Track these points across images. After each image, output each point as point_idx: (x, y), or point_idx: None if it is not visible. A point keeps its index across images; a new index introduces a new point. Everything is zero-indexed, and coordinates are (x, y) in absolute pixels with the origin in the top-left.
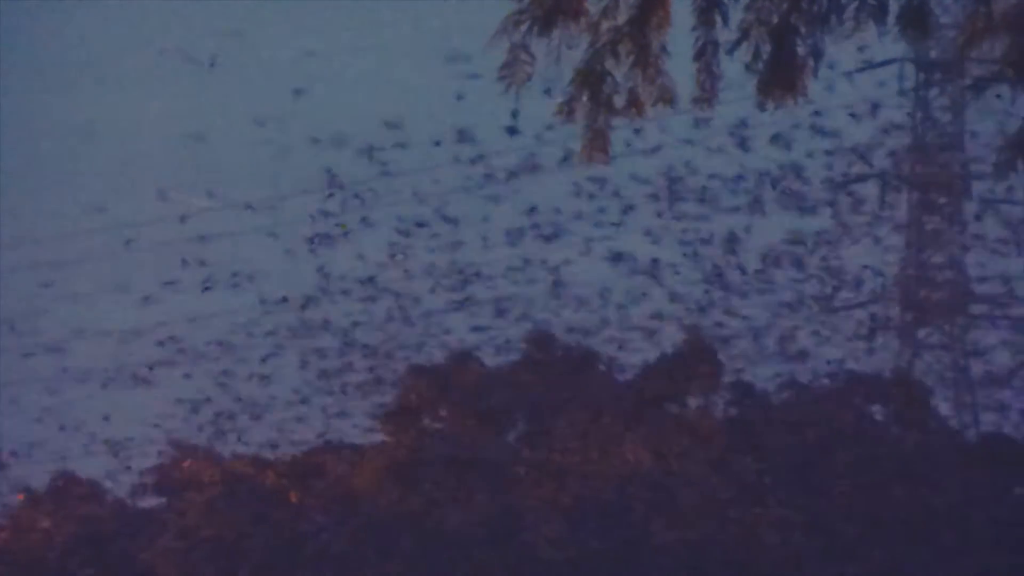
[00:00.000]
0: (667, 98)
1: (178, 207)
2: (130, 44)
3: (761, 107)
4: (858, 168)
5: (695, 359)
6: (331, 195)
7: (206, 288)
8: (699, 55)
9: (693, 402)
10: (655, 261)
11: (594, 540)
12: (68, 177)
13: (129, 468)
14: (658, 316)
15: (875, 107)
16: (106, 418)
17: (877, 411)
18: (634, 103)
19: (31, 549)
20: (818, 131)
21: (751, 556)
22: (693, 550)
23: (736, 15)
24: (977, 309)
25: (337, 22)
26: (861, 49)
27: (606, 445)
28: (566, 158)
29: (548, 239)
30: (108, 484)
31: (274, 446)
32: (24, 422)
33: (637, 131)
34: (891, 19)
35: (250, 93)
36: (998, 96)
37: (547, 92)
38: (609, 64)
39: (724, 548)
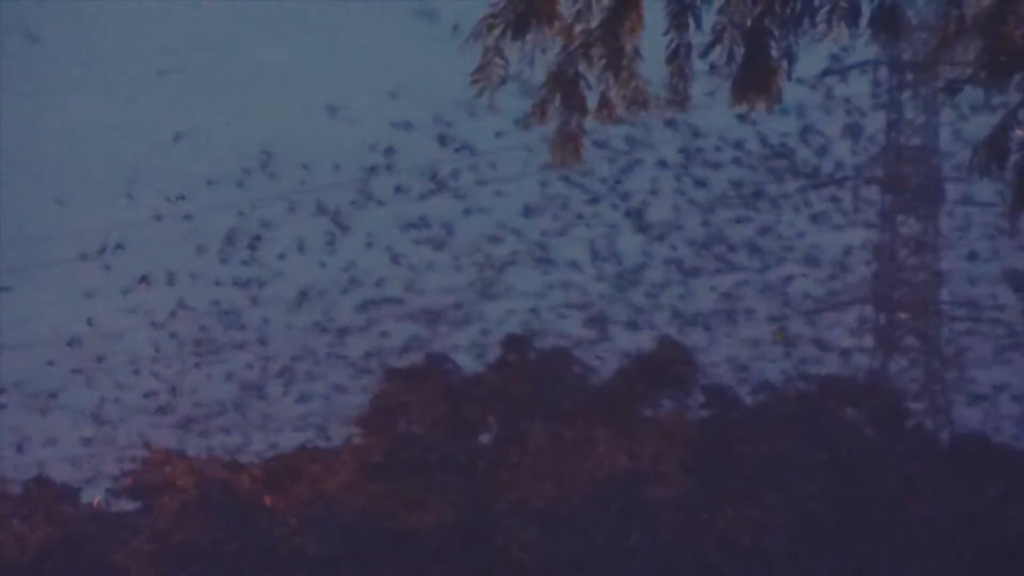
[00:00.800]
0: (640, 101)
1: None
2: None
3: (735, 109)
4: (832, 170)
5: (669, 361)
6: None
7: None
8: (672, 58)
9: (667, 404)
10: (624, 262)
11: (567, 543)
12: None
13: (101, 472)
14: (631, 317)
15: (848, 110)
16: (77, 421)
17: (851, 413)
18: (606, 106)
19: (4, 552)
20: (792, 134)
21: (724, 558)
22: (666, 552)
23: (709, 18)
24: (951, 310)
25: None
26: (834, 53)
27: (580, 447)
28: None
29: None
30: (81, 487)
31: (244, 450)
32: None
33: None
34: (864, 21)
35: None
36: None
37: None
38: (582, 67)
39: (697, 550)
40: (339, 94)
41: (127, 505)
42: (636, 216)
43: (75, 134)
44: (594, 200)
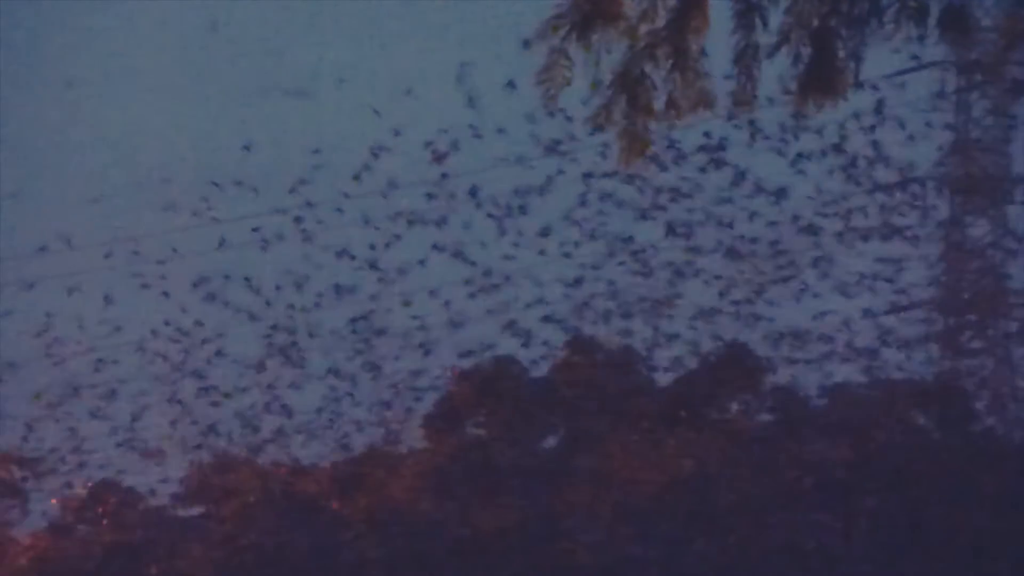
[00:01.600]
0: (706, 101)
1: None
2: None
3: (801, 111)
4: (900, 172)
5: (736, 363)
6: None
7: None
8: (738, 58)
9: (734, 407)
10: (691, 264)
11: (633, 546)
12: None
13: (168, 476)
14: (698, 320)
15: (916, 110)
16: (145, 425)
17: (919, 416)
18: (673, 107)
19: (68, 557)
20: (859, 134)
21: (790, 562)
22: (732, 557)
23: (776, 18)
24: (1020, 313)
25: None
26: (902, 52)
27: (646, 450)
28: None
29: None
30: (146, 492)
31: (314, 454)
32: (59, 429)
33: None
34: (932, 22)
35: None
36: None
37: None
38: (647, 67)
39: (763, 554)
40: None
41: (192, 509)
42: (713, 222)
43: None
44: (663, 204)
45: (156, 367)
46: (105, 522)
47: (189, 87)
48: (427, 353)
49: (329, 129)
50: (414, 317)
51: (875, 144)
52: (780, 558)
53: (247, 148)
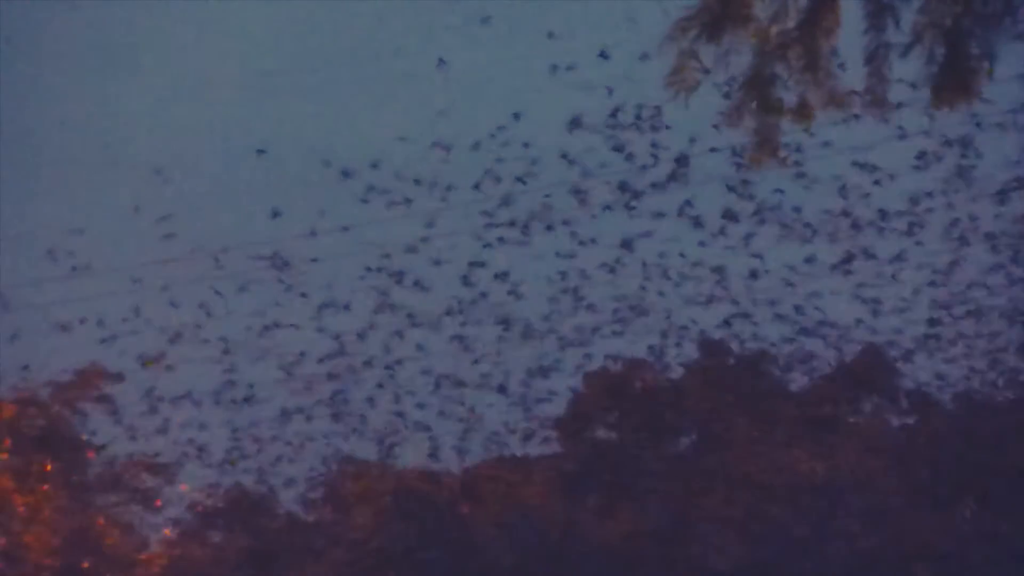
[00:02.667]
0: (837, 102)
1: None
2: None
3: (935, 110)
4: None
5: (870, 367)
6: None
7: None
8: (870, 59)
9: (868, 410)
10: (834, 267)
11: (765, 551)
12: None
13: (298, 481)
14: (831, 323)
15: None
16: (277, 430)
17: None
18: (803, 107)
19: (200, 563)
20: (997, 132)
21: (926, 567)
22: (865, 561)
23: (908, 17)
24: None
25: None
26: None
27: (778, 454)
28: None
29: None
30: (277, 497)
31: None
32: (190, 434)
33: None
34: None
35: None
36: None
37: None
38: (778, 68)
39: (898, 558)
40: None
41: (323, 514)
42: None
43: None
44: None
45: (291, 372)
46: (236, 528)
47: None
48: (557, 358)
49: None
50: (546, 319)
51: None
52: (915, 562)
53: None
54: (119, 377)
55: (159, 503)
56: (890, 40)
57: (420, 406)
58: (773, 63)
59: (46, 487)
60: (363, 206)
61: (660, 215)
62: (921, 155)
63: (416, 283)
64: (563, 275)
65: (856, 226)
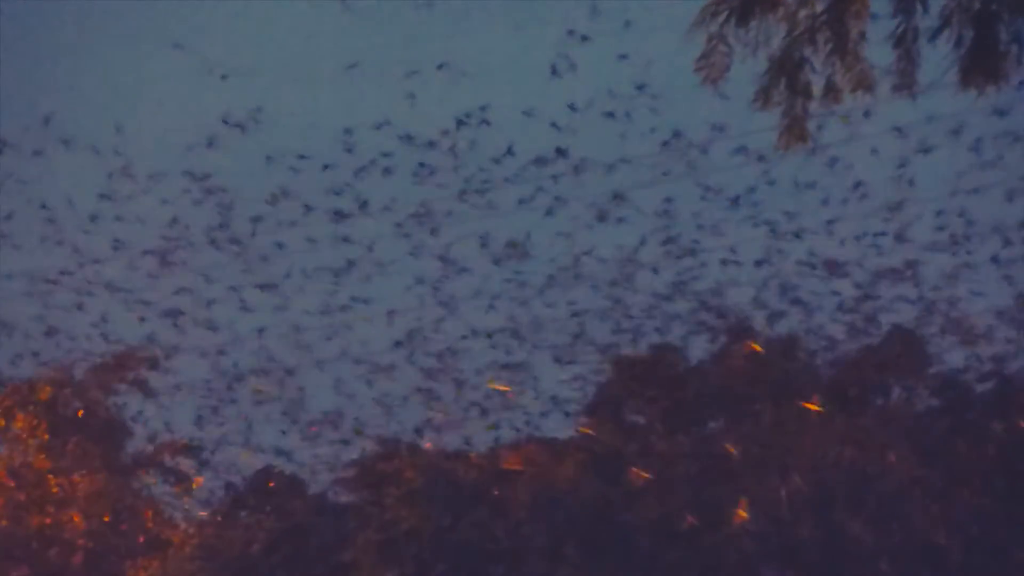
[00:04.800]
0: (866, 85)
1: None
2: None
3: (964, 94)
4: None
5: (899, 349)
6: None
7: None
8: (899, 42)
9: (897, 393)
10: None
11: (795, 533)
12: None
13: (331, 462)
14: (862, 303)
15: None
16: (308, 411)
17: None
18: (832, 90)
19: (233, 544)
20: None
21: (954, 547)
22: (894, 543)
23: (937, 2)
24: None
25: None
26: None
27: (807, 436)
28: None
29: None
30: (308, 478)
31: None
32: (224, 417)
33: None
34: None
35: None
36: None
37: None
38: (807, 52)
39: (927, 539)
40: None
41: (355, 495)
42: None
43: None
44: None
45: (323, 351)
46: (268, 508)
47: None
48: (581, 336)
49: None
50: (570, 304)
51: None
52: (944, 544)
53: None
54: (154, 360)
55: (192, 484)
56: (918, 24)
57: (453, 387)
58: (802, 47)
59: (81, 468)
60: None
61: (686, 200)
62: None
63: (463, 270)
64: (604, 260)
65: (891, 208)
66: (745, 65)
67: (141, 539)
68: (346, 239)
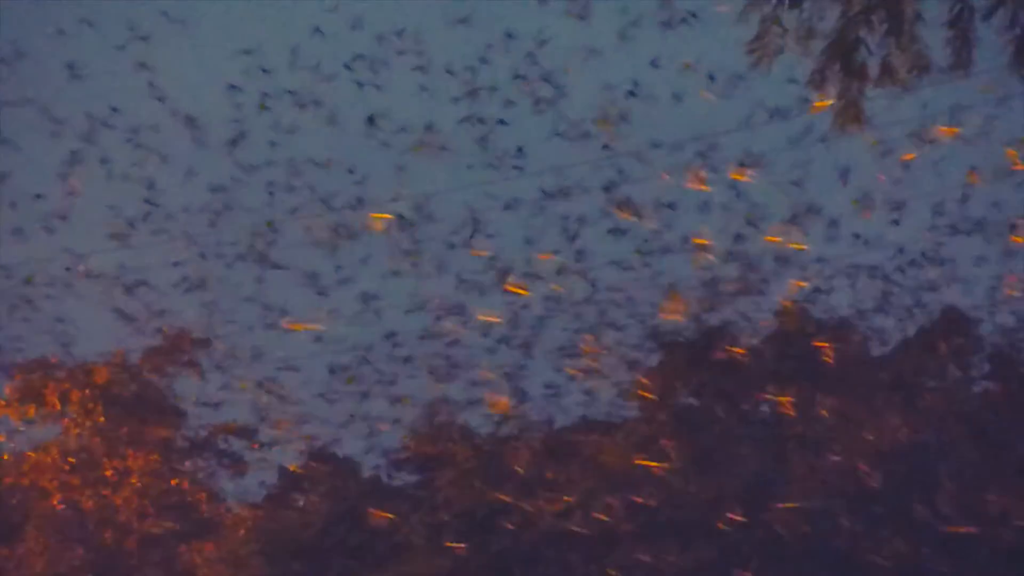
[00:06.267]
0: (922, 65)
1: None
2: None
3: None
4: None
5: (954, 332)
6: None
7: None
8: (954, 22)
9: (952, 375)
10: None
11: (850, 516)
12: None
13: (383, 445)
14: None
15: None
16: (365, 395)
17: None
18: (888, 72)
19: (287, 527)
20: None
21: (1009, 533)
22: (950, 524)
23: None
24: None
25: None
26: None
27: (862, 419)
28: None
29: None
30: (361, 460)
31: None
32: (276, 399)
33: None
34: None
35: None
36: None
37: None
38: (862, 33)
39: (982, 523)
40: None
41: (407, 478)
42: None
43: None
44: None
45: (373, 334)
46: (323, 491)
47: None
48: (643, 321)
49: None
50: (611, 289)
51: None
52: (998, 528)
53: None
54: (207, 342)
55: (247, 467)
56: (973, 3)
57: (503, 370)
58: (857, 28)
59: (136, 451)
60: None
61: (733, 185)
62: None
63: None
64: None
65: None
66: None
67: (195, 522)
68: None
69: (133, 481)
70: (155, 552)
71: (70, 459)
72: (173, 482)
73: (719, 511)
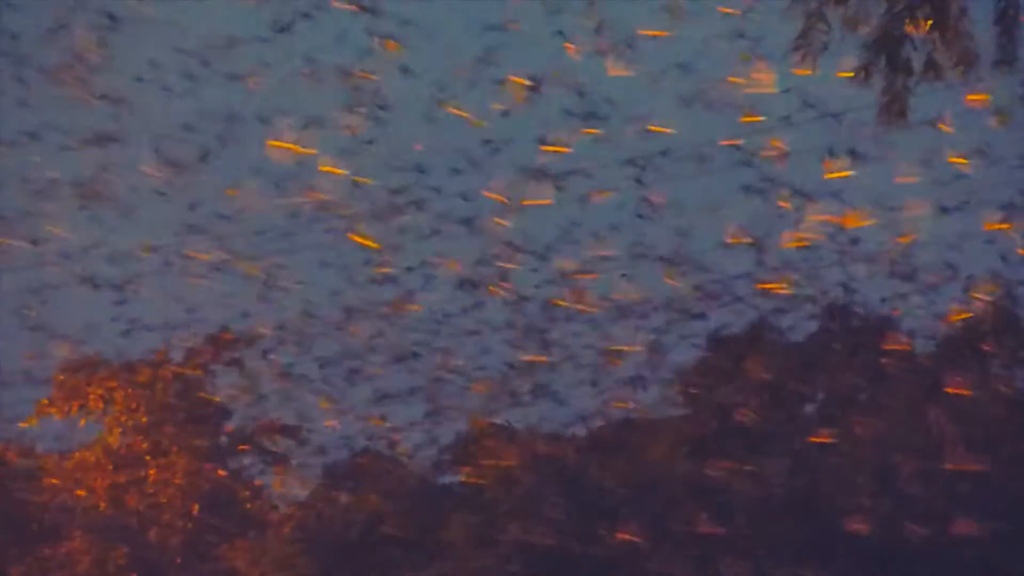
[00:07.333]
0: (968, 61)
1: None
2: None
3: None
4: None
5: (998, 328)
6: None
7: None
8: (1000, 18)
9: (996, 372)
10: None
11: (895, 512)
12: None
13: (430, 443)
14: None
15: None
16: (405, 392)
17: None
18: (933, 67)
19: (332, 524)
20: None
21: None
22: (998, 523)
23: None
24: None
25: None
26: None
27: (905, 417)
28: None
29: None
30: (406, 459)
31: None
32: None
33: None
34: None
35: None
36: None
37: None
38: (908, 28)
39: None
40: None
41: (453, 476)
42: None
43: None
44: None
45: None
46: (366, 489)
47: None
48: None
49: None
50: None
51: None
52: None
53: None
54: (250, 341)
55: (291, 465)
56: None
57: (551, 368)
58: (902, 23)
59: (179, 450)
60: None
61: (772, 181)
62: None
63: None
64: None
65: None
66: None
67: (239, 520)
68: None
69: (177, 480)
70: (199, 551)
71: (111, 460)
72: (217, 480)
73: (762, 510)
